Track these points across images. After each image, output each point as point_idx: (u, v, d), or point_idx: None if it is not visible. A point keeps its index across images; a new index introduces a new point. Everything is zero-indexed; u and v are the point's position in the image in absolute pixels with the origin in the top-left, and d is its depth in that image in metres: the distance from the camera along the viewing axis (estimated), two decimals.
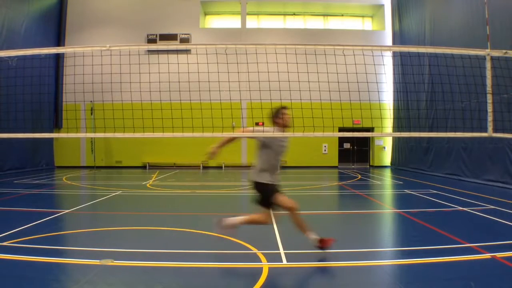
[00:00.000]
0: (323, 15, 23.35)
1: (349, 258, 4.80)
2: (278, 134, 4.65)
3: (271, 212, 4.75)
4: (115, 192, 10.92)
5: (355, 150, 22.62)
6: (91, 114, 19.01)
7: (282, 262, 4.65)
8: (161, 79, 7.12)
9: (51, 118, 20.38)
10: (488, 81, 5.57)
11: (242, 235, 5.33)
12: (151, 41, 20.80)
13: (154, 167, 21.01)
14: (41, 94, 16.56)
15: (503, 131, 6.39)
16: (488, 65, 5.51)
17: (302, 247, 5.03)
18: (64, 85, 20.22)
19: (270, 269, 4.37)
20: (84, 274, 4.17)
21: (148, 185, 13.05)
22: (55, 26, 20.86)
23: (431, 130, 15.44)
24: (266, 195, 4.62)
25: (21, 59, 6.04)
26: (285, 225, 5.45)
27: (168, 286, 3.96)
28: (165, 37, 20.87)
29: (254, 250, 5.01)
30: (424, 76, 16.44)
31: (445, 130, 14.06)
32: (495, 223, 6.75)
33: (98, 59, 6.10)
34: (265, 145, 4.60)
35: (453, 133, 8.26)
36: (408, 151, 19.37)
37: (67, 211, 8.02)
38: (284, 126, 4.70)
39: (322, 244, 4.76)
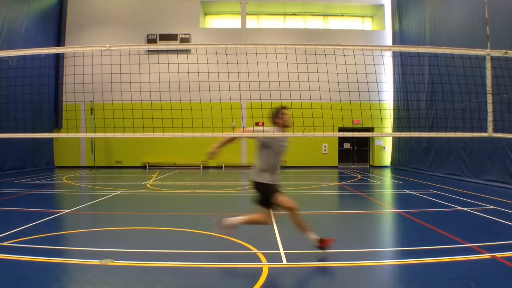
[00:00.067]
0: (323, 15, 23.36)
1: (349, 258, 4.80)
2: (277, 134, 4.65)
3: (271, 212, 4.75)
4: (115, 192, 10.92)
5: (355, 150, 22.62)
6: (91, 114, 19.01)
7: (282, 262, 4.65)
8: (161, 79, 7.12)
9: (51, 118, 20.38)
10: (488, 81, 5.57)
11: (242, 235, 5.33)
12: (151, 41, 20.80)
13: (154, 167, 21.01)
14: (41, 94, 16.56)
15: (503, 131, 6.39)
16: (488, 65, 5.50)
17: (302, 247, 5.03)
18: (64, 85, 20.22)
19: (270, 269, 4.37)
20: (84, 274, 4.17)
21: (148, 185, 13.05)
22: (55, 26, 20.86)
23: (431, 130, 15.44)
24: (266, 195, 4.62)
25: (21, 59, 6.04)
26: (285, 225, 5.45)
27: (168, 286, 3.96)
28: (165, 37, 20.87)
29: (254, 250, 5.01)
30: (424, 76, 16.44)
31: (445, 130, 14.06)
32: (495, 223, 6.75)
33: (98, 59, 6.10)
34: (265, 145, 4.60)
35: (453, 133, 8.26)
36: (408, 151, 19.37)
37: (67, 211, 8.02)
38: (284, 126, 4.70)
39: (322, 244, 4.76)
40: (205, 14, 23.23)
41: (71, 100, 17.18)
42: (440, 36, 15.68)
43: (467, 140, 13.76)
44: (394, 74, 20.86)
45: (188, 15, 21.55)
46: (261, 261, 4.63)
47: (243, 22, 21.88)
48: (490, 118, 5.51)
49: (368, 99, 8.99)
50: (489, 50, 5.64)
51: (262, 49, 6.05)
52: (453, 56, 7.55)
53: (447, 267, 4.42)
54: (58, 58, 20.46)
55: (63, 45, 20.64)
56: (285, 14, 23.39)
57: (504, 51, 5.48)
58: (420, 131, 15.88)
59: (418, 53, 8.61)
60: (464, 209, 8.01)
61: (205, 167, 21.01)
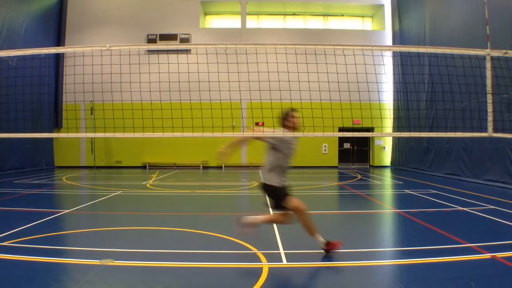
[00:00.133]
0: (323, 15, 23.36)
1: (349, 258, 4.80)
2: (281, 134, 4.65)
3: (287, 212, 4.73)
4: (115, 192, 10.92)
5: (355, 150, 22.62)
6: (91, 114, 19.01)
7: (282, 262, 4.65)
8: (161, 79, 7.12)
9: (51, 118, 20.38)
10: (488, 81, 5.57)
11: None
12: (151, 41, 20.80)
13: (154, 167, 21.01)
14: (41, 94, 16.57)
15: (503, 131, 6.39)
16: (488, 65, 5.50)
17: (302, 247, 5.03)
18: (64, 85, 20.21)
19: (270, 269, 4.37)
20: (84, 274, 4.17)
21: (148, 185, 13.05)
22: (55, 26, 20.86)
23: (431, 130, 15.44)
24: (276, 198, 4.63)
25: (21, 59, 6.03)
26: (285, 225, 5.44)
27: (168, 286, 3.96)
28: (165, 37, 20.87)
29: (254, 250, 5.01)
30: (424, 76, 16.44)
31: (445, 130, 14.06)
32: (495, 223, 6.75)
33: (98, 59, 6.10)
34: (275, 147, 4.59)
35: (453, 133, 8.26)
36: (408, 151, 19.37)
37: (67, 211, 8.02)
38: (294, 129, 4.70)
39: (330, 247, 4.75)
40: (205, 14, 23.23)
41: (71, 100, 17.19)
42: (440, 36, 15.69)
43: (467, 140, 13.77)
44: (394, 74, 20.87)
45: (188, 15, 21.55)
46: (261, 261, 4.63)
47: (243, 22, 21.88)
48: (490, 118, 5.51)
49: (368, 99, 8.99)
50: (489, 50, 5.64)
51: (262, 49, 6.05)
52: (453, 56, 7.55)
53: (447, 267, 4.42)
54: (58, 58, 20.47)
55: (63, 45, 20.65)
56: (285, 14, 23.39)
57: (504, 51, 5.48)
58: (420, 131, 15.88)
59: (418, 53, 8.60)
60: (464, 209, 8.01)
61: (205, 167, 21.01)
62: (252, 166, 20.44)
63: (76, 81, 8.13)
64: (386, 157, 22.07)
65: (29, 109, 16.05)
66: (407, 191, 11.25)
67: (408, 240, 5.94)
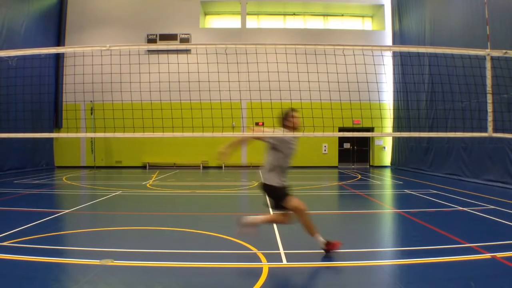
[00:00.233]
0: (323, 15, 23.36)
1: (349, 258, 4.79)
2: (281, 134, 4.65)
3: (287, 212, 4.73)
4: (115, 192, 10.92)
5: (355, 150, 22.62)
6: (91, 114, 19.01)
7: (282, 262, 4.65)
8: (161, 79, 7.12)
9: (51, 118, 20.38)
10: (488, 81, 5.57)
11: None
12: (151, 41, 20.81)
13: (154, 167, 21.01)
14: (41, 94, 16.57)
15: (503, 131, 6.39)
16: (488, 65, 5.50)
17: (302, 247, 5.03)
18: (64, 85, 20.21)
19: (270, 269, 4.37)
20: (84, 274, 4.17)
21: (148, 185, 13.05)
22: (55, 26, 20.86)
23: (431, 130, 15.44)
24: (276, 198, 4.63)
25: (21, 59, 6.03)
26: (285, 225, 5.44)
27: (168, 286, 3.96)
28: (165, 37, 20.87)
29: (254, 250, 5.01)
30: (424, 76, 16.44)
31: (445, 130, 14.06)
32: (495, 223, 6.74)
33: (98, 59, 6.10)
34: (275, 147, 4.60)
35: (453, 133, 8.27)
36: (408, 151, 19.37)
37: (67, 211, 8.02)
38: (294, 129, 4.70)
39: (330, 247, 4.75)
40: (205, 14, 23.24)
41: (71, 100, 17.19)
42: (440, 36, 15.69)
43: (467, 140, 13.77)
44: (394, 74, 20.87)
45: (188, 15, 21.55)
46: (261, 261, 4.63)
47: (243, 22, 21.88)
48: (490, 118, 5.51)
49: (368, 99, 8.99)
50: (489, 50, 5.64)
51: (262, 49, 6.05)
52: (453, 56, 7.54)
53: (447, 267, 4.42)
54: (58, 58, 20.47)
55: (63, 45, 20.65)
56: (285, 14, 23.39)
57: (504, 51, 5.48)
58: (420, 131, 15.88)
59: (418, 53, 8.61)
60: (464, 209, 8.01)
61: (205, 167, 21.01)
62: (252, 166, 20.44)
63: (76, 81, 8.13)
64: (386, 157, 22.07)
65: (29, 109, 16.06)
66: (407, 191, 11.25)
67: (408, 240, 5.94)
